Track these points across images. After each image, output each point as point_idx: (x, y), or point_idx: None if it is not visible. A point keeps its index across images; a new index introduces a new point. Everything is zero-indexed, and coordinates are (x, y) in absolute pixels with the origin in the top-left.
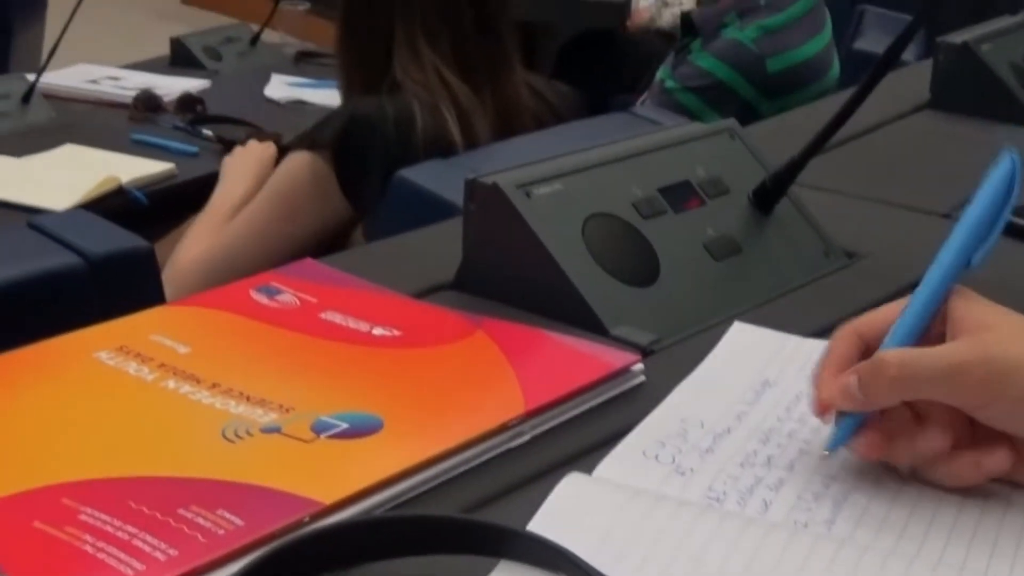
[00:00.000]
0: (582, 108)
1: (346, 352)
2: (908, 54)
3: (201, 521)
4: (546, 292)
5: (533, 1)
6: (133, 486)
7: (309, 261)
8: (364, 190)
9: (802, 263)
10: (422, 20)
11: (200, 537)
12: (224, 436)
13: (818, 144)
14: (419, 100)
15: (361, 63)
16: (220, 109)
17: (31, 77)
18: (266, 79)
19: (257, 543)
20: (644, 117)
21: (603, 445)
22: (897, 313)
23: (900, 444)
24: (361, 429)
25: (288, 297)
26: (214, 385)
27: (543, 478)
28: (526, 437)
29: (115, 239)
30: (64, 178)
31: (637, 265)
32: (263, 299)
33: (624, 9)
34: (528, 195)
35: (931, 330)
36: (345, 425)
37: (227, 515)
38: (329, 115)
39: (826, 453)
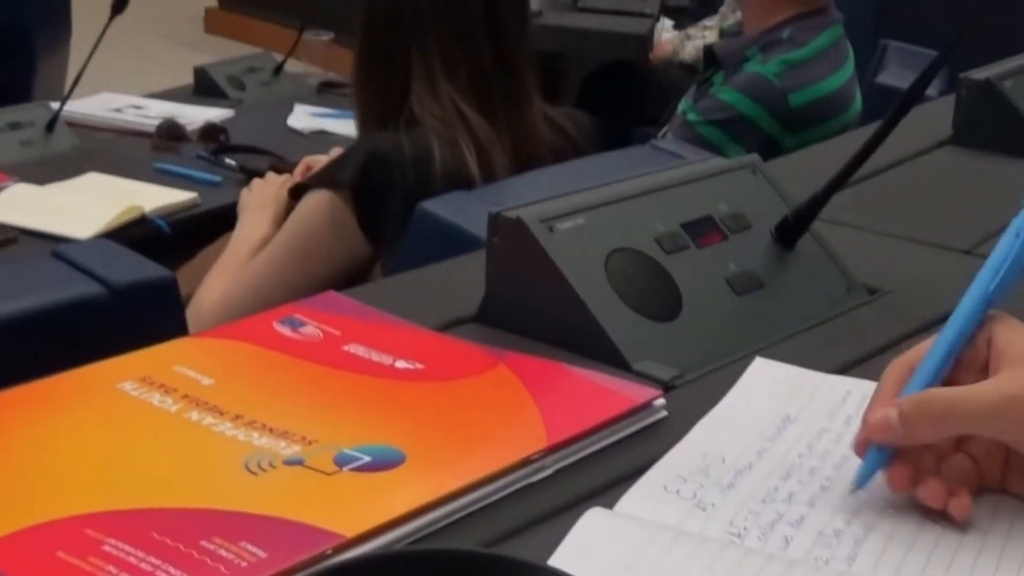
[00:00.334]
0: (602, 138)
1: (369, 385)
2: (930, 89)
3: (224, 553)
4: (568, 326)
5: (556, 32)
6: (156, 517)
7: (332, 293)
8: (383, 228)
9: (824, 299)
10: (440, 53)
11: (223, 569)
12: (247, 468)
13: (840, 180)
14: (437, 134)
15: (378, 96)
16: (243, 139)
17: (55, 105)
18: (289, 109)
19: None
20: (666, 150)
21: (625, 480)
22: None
23: (930, 478)
24: (383, 462)
25: (311, 329)
26: (237, 417)
27: (565, 512)
28: (548, 471)
29: (139, 269)
30: (87, 207)
31: (659, 300)
32: (286, 331)
33: (647, 41)
34: (551, 229)
35: (971, 355)
36: (367, 458)
37: (250, 547)
38: (346, 152)
39: (855, 489)
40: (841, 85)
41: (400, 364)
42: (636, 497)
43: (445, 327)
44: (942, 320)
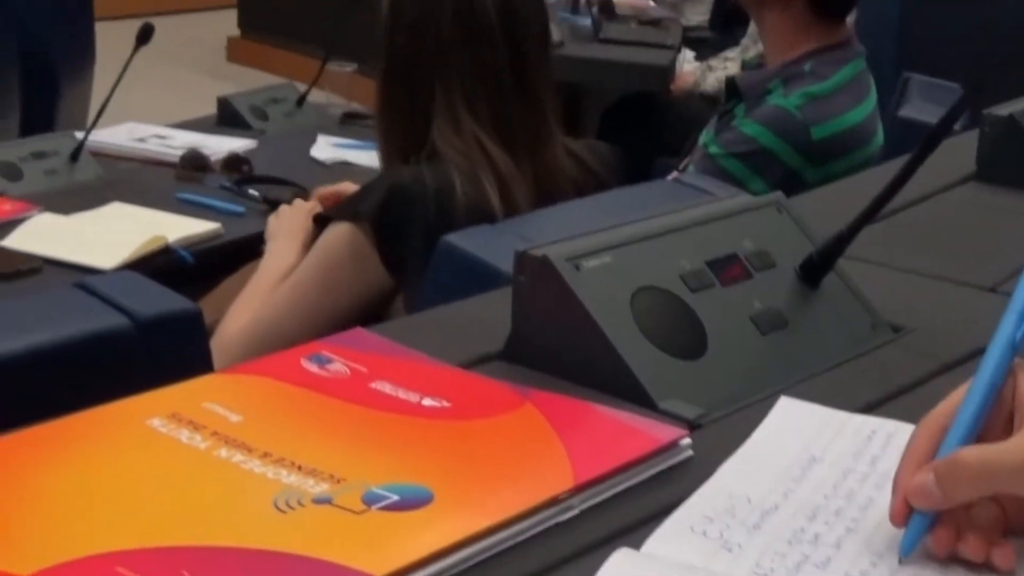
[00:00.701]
0: (623, 169)
1: (396, 423)
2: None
3: None
4: (594, 364)
5: (578, 64)
6: (186, 555)
7: (359, 330)
8: (405, 262)
9: (848, 337)
10: (462, 88)
11: None
12: (276, 506)
13: (865, 219)
14: (458, 168)
15: (400, 129)
16: (266, 169)
17: (80, 135)
18: (312, 139)
19: None
20: (688, 185)
21: (651, 520)
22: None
23: (969, 533)
24: (411, 501)
25: (338, 366)
26: (266, 454)
27: (592, 553)
28: (575, 511)
29: (164, 301)
30: (111, 237)
31: (685, 338)
32: (314, 368)
33: (668, 73)
34: (577, 268)
35: (997, 407)
36: (396, 497)
37: None
38: (369, 185)
39: (903, 558)
40: (863, 118)
41: (427, 402)
42: (663, 537)
43: (471, 364)
44: (967, 359)
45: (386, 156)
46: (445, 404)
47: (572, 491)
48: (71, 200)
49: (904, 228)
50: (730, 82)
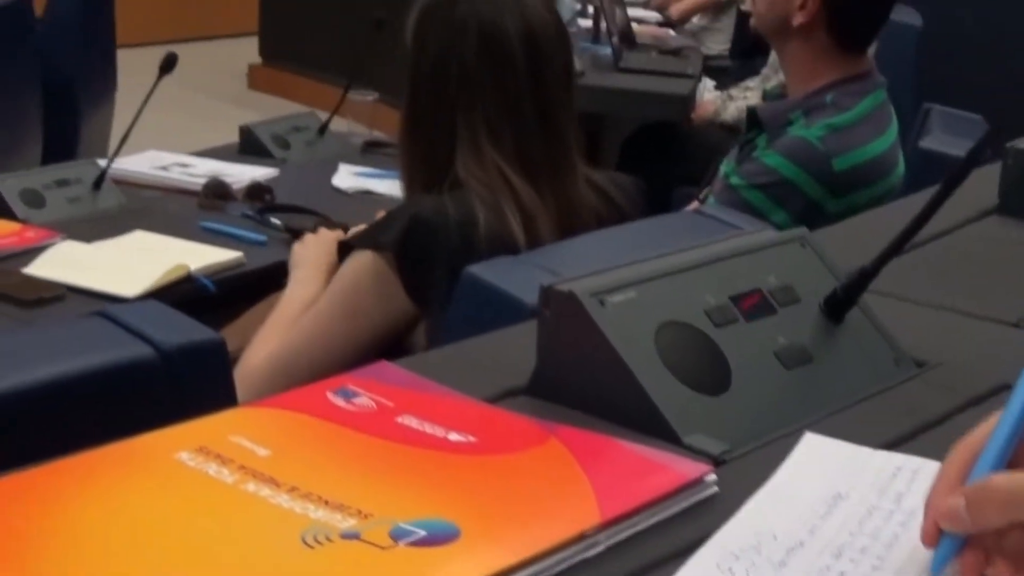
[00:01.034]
0: (644, 200)
1: (422, 457)
2: None
3: None
4: (619, 399)
5: (599, 93)
6: None
7: (384, 364)
8: (427, 290)
9: (872, 372)
10: (485, 119)
11: None
12: (304, 541)
13: (889, 255)
14: (481, 199)
15: (423, 159)
16: (288, 198)
17: (102, 163)
18: (333, 168)
19: None
20: (710, 216)
21: (677, 556)
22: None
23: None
24: (439, 537)
25: (365, 400)
26: (293, 489)
27: None
28: (601, 547)
29: (188, 331)
30: (133, 265)
31: (709, 373)
32: (340, 402)
33: (689, 102)
34: (602, 303)
35: None
36: (423, 533)
37: None
38: (391, 213)
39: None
40: (885, 150)
41: (453, 437)
42: (689, 575)
43: (496, 398)
44: (991, 394)
45: (409, 185)
46: (471, 439)
47: (598, 527)
48: (94, 228)
49: (927, 262)
50: (751, 113)
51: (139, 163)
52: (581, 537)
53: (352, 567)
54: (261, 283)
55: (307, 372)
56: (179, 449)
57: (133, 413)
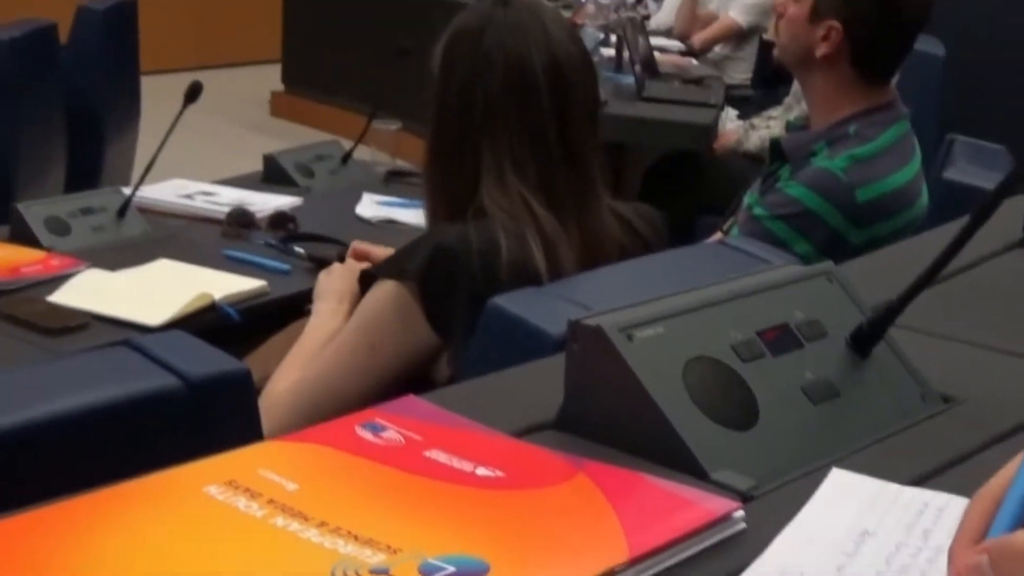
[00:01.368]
0: (668, 231)
1: (450, 492)
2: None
3: None
4: (647, 435)
5: (621, 122)
6: None
7: (412, 398)
8: (450, 320)
9: (899, 407)
10: (509, 149)
11: None
12: None
13: (915, 290)
14: (504, 228)
15: (448, 189)
16: (312, 227)
17: (126, 191)
18: (357, 197)
19: None
20: (734, 248)
21: None
22: None
23: None
24: (468, 573)
25: (393, 434)
26: (322, 523)
27: None
28: None
29: (214, 361)
30: (158, 293)
31: (736, 409)
32: (368, 436)
33: (711, 131)
34: (630, 338)
35: None
36: (452, 568)
37: None
38: (414, 243)
39: None
40: (908, 180)
41: (481, 471)
42: None
43: (524, 433)
44: (1018, 430)
45: (432, 214)
46: (499, 474)
47: (627, 563)
48: (118, 256)
49: (952, 296)
50: (775, 144)
51: (163, 191)
52: (609, 573)
53: None
54: (285, 312)
55: (331, 401)
56: (207, 483)
57: (159, 443)
